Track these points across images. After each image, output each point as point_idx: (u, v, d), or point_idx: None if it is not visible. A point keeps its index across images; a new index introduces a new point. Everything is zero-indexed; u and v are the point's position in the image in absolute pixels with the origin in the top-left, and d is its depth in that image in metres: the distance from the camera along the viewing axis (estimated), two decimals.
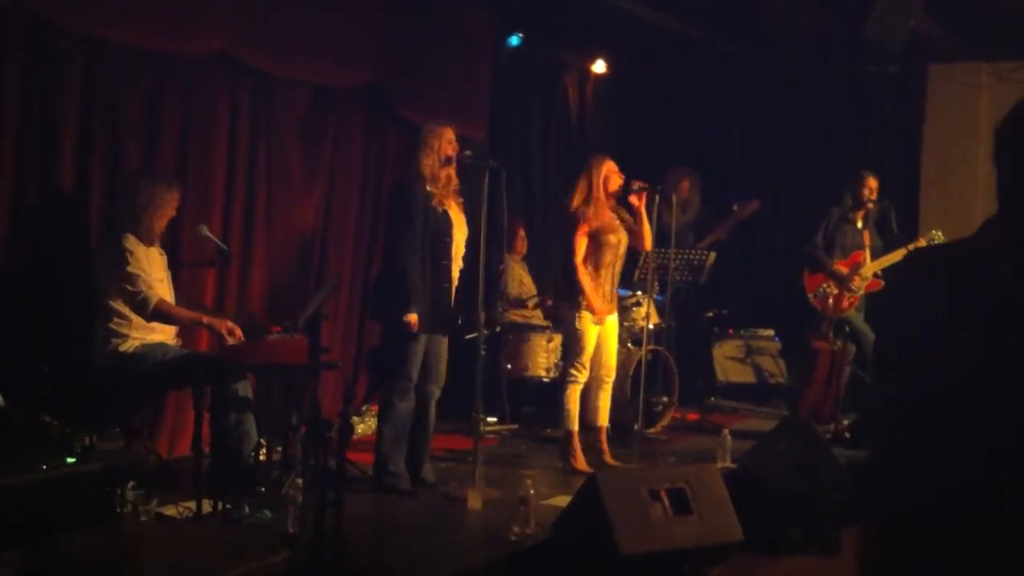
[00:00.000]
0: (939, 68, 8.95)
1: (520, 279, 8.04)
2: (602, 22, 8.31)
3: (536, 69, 8.96)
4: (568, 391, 6.13)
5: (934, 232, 7.50)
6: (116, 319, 5.04)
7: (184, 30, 5.68)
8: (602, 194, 6.08)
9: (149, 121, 5.72)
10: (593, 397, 6.26)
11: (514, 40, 8.24)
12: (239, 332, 5.12)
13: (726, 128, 9.92)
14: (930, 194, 8.96)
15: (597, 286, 6.08)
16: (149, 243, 5.19)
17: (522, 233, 8.13)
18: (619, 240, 6.14)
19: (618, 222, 6.14)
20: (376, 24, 6.99)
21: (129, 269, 4.99)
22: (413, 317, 5.35)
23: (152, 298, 5.01)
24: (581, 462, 6.10)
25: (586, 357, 6.11)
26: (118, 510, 4.20)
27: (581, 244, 6.06)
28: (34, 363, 4.84)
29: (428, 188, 5.46)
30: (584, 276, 6.04)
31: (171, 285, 5.35)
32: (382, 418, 5.56)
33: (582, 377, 6.13)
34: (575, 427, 6.16)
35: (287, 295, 6.60)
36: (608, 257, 6.13)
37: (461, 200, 5.63)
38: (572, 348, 6.19)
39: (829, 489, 5.34)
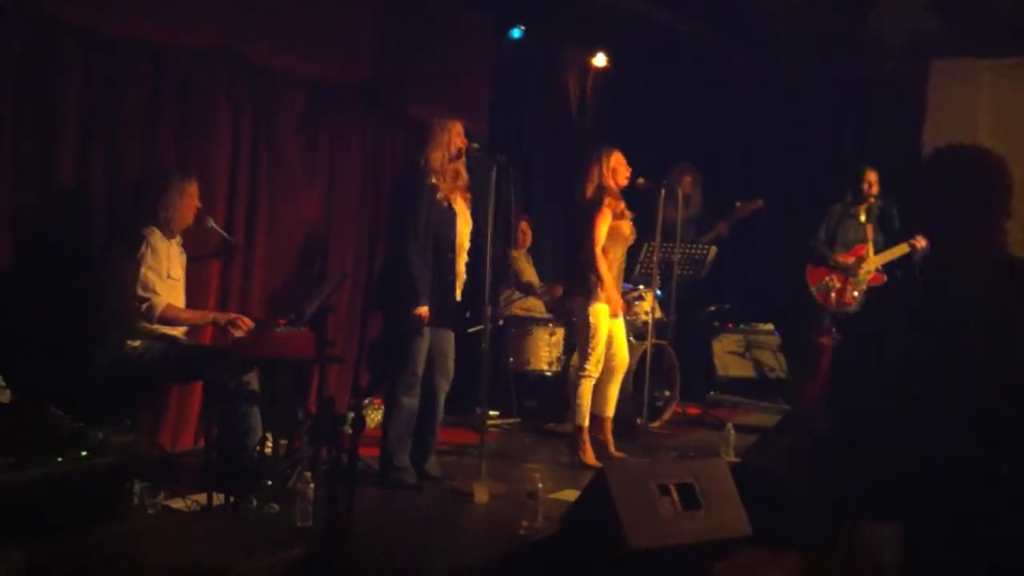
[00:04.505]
0: (940, 64, 8.94)
1: (524, 272, 8.02)
2: (602, 17, 8.30)
3: (537, 63, 8.94)
4: (581, 386, 6.09)
5: None
6: (127, 311, 5.03)
7: (183, 23, 5.65)
8: (612, 184, 6.07)
9: (149, 115, 5.69)
10: (603, 388, 6.23)
11: (516, 32, 8.22)
12: (248, 321, 5.13)
13: (726, 124, 9.91)
14: None
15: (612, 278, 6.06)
16: (171, 236, 5.20)
17: (524, 226, 8.11)
18: (630, 231, 6.12)
19: (627, 214, 6.13)
20: (376, 19, 6.96)
21: (141, 269, 4.98)
22: (424, 310, 5.34)
23: (157, 305, 5.01)
24: (590, 456, 6.09)
25: (600, 351, 6.07)
26: (127, 503, 4.19)
27: (602, 231, 6.00)
28: (43, 357, 4.82)
29: (434, 181, 5.44)
30: (603, 265, 5.98)
31: (184, 285, 5.34)
32: (388, 413, 5.55)
33: (596, 372, 6.09)
34: (585, 422, 6.13)
35: (290, 289, 6.58)
36: (620, 250, 6.11)
37: (469, 195, 5.61)
38: (585, 342, 6.10)
39: (830, 484, 5.33)
